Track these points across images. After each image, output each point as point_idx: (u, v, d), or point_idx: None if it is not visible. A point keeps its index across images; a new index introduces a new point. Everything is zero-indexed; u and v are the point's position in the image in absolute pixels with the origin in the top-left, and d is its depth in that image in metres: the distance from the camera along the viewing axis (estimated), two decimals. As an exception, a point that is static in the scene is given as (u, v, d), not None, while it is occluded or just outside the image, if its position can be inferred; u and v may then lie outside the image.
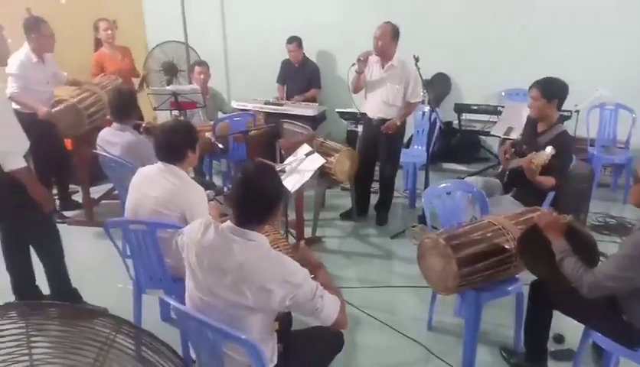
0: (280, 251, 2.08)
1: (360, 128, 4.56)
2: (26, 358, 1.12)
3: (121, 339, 1.15)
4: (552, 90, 3.13)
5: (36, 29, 3.80)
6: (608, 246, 3.39)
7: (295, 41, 5.32)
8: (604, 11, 4.86)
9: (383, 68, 3.92)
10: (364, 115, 4.17)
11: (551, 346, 2.63)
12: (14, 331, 1.14)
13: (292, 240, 3.65)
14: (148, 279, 2.58)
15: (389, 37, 3.81)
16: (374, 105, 4.02)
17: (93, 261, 3.56)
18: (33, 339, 1.15)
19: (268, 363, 1.73)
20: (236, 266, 1.70)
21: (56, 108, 3.75)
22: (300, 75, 5.50)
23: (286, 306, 1.75)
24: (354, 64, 3.86)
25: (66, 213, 4.33)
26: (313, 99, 5.42)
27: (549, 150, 2.92)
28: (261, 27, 5.79)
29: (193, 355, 1.94)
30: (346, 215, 4.37)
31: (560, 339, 2.75)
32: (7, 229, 2.85)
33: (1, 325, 1.13)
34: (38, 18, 3.89)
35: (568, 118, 4.58)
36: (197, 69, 4.71)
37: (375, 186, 4.40)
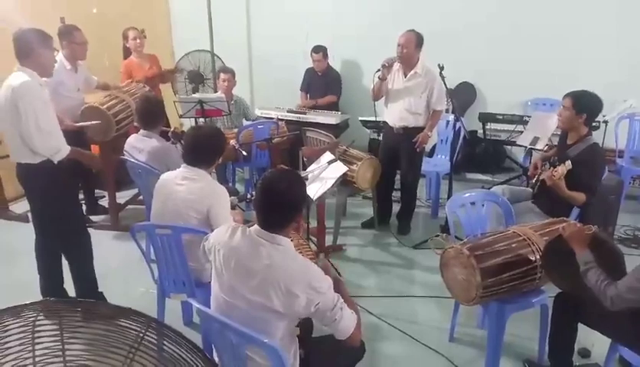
0: (305, 256, 2.10)
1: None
2: (59, 353, 1.16)
3: (150, 336, 1.17)
4: (583, 103, 3.08)
5: (69, 37, 3.92)
6: (637, 260, 3.29)
7: (321, 51, 5.37)
8: (633, 21, 4.78)
9: (405, 76, 3.92)
10: (385, 123, 4.16)
11: (577, 361, 2.57)
12: (49, 327, 1.19)
13: (313, 248, 3.65)
14: (172, 283, 2.62)
15: (413, 45, 3.80)
16: (396, 113, 4.01)
17: (117, 265, 3.63)
18: (66, 335, 1.18)
19: (289, 368, 1.74)
20: (263, 268, 1.73)
21: (80, 123, 3.81)
22: (322, 83, 5.54)
23: (310, 313, 1.77)
24: (378, 70, 3.87)
25: (93, 218, 4.43)
26: (327, 105, 5.43)
27: (567, 164, 2.89)
28: (286, 36, 5.86)
29: (215, 358, 1.95)
30: (367, 224, 4.36)
31: (585, 353, 2.69)
32: (43, 233, 2.95)
33: (39, 321, 1.18)
34: (72, 26, 4.01)
35: (596, 128, 4.49)
36: (222, 76, 4.79)
37: (396, 195, 4.39)
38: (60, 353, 1.14)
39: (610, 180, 3.94)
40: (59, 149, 2.75)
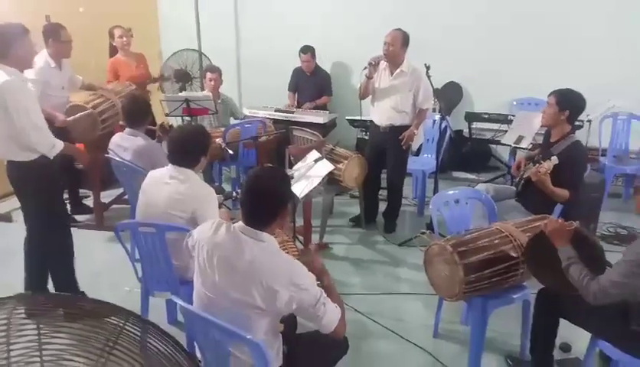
0: (289, 254, 2.11)
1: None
2: (36, 348, 1.16)
3: (129, 329, 1.17)
4: (567, 100, 3.12)
5: (55, 35, 3.89)
6: (619, 257, 3.34)
7: (309, 51, 5.38)
8: (618, 22, 4.86)
9: (392, 74, 3.94)
10: (372, 122, 4.18)
11: (558, 355, 2.60)
12: (25, 321, 1.19)
13: (299, 246, 3.66)
14: (156, 281, 2.61)
15: (399, 43, 3.82)
16: (383, 111, 4.03)
17: (101, 265, 3.61)
18: (43, 329, 1.18)
19: (272, 364, 1.74)
20: (246, 265, 1.74)
21: (72, 117, 3.80)
22: (311, 83, 5.55)
23: (292, 309, 1.77)
24: (365, 68, 3.89)
25: (77, 217, 4.39)
26: (324, 107, 5.46)
27: (553, 159, 2.92)
28: (274, 36, 5.87)
29: (198, 355, 1.95)
30: (355, 220, 4.38)
31: (566, 348, 2.72)
32: (33, 231, 2.94)
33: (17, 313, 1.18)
34: (58, 25, 3.97)
35: (580, 127, 4.55)
36: (208, 75, 4.78)
37: (383, 193, 4.41)
38: (37, 345, 1.14)
39: (593, 177, 4.00)
40: (54, 144, 2.77)
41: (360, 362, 2.71)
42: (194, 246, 1.92)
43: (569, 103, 3.12)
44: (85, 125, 3.83)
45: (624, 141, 4.81)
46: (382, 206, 4.41)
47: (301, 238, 3.80)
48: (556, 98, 3.14)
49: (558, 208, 3.17)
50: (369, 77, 3.91)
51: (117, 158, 3.41)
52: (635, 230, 4.19)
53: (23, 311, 1.26)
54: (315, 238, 3.91)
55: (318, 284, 1.84)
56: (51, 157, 2.77)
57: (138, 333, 1.16)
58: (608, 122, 4.79)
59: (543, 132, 3.61)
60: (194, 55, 5.83)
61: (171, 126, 3.86)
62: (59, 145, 2.80)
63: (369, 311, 3.12)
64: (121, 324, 1.13)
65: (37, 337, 1.29)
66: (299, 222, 3.75)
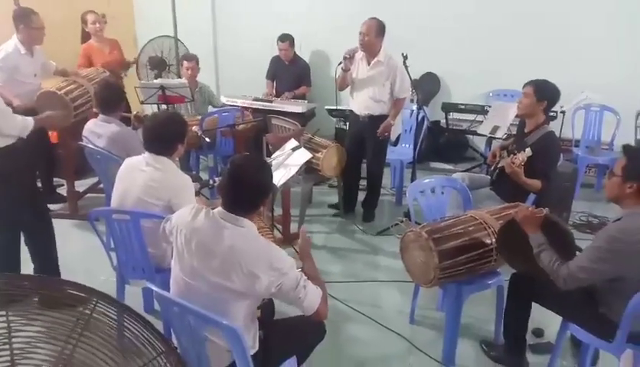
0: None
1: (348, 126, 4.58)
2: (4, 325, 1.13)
3: (101, 308, 1.16)
4: (545, 91, 3.17)
5: (26, 20, 3.77)
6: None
7: (287, 40, 5.33)
8: (594, 17, 4.95)
9: (369, 64, 3.93)
10: (351, 112, 4.19)
11: (531, 340, 2.67)
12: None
13: (277, 235, 3.66)
14: (131, 269, 2.58)
15: (374, 33, 3.81)
16: (361, 101, 4.03)
17: (76, 254, 3.54)
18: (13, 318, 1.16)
19: (249, 349, 1.74)
20: (225, 250, 1.73)
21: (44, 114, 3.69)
22: (290, 72, 5.51)
23: (271, 294, 1.78)
24: (340, 63, 3.88)
25: (51, 206, 4.29)
26: (303, 97, 5.44)
27: (527, 151, 2.97)
28: (252, 23, 5.81)
29: (175, 343, 1.94)
30: (335, 206, 4.39)
31: (539, 333, 2.79)
32: (4, 217, 2.87)
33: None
34: (29, 10, 3.85)
35: (554, 118, 4.63)
36: (185, 64, 4.71)
37: (362, 183, 4.43)
38: (6, 333, 1.12)
39: (565, 167, 4.08)
40: (25, 125, 2.74)
41: (337, 348, 2.74)
42: (171, 231, 1.90)
43: (546, 94, 3.18)
44: (57, 113, 3.72)
45: (596, 132, 4.91)
46: (361, 196, 4.43)
47: (279, 227, 3.80)
48: (533, 88, 3.18)
49: (532, 196, 3.23)
50: (345, 70, 3.91)
51: (90, 145, 3.34)
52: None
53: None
54: (293, 227, 3.90)
55: (299, 269, 1.85)
56: (24, 137, 2.75)
57: (114, 315, 1.15)
58: (581, 114, 4.88)
59: (517, 123, 3.67)
60: (170, 41, 5.73)
61: (145, 115, 3.79)
62: (30, 123, 2.76)
63: (347, 298, 3.15)
64: (92, 303, 1.11)
65: (6, 325, 1.27)
66: (278, 211, 3.74)
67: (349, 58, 3.85)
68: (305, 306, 1.81)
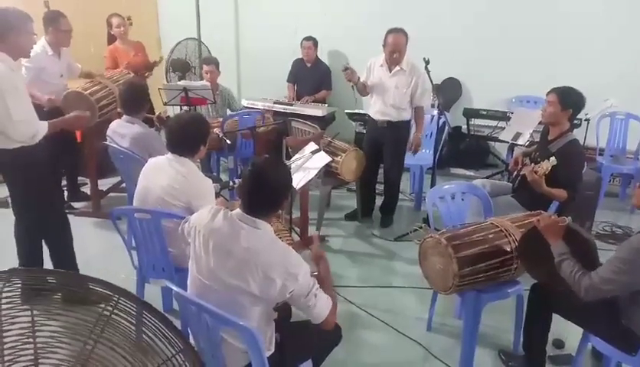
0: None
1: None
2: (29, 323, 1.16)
3: (122, 305, 1.18)
4: (569, 99, 3.12)
5: (55, 23, 3.86)
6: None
7: (312, 40, 5.40)
8: (617, 22, 4.86)
9: (390, 71, 3.92)
10: (369, 116, 4.18)
11: (551, 351, 2.62)
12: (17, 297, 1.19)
13: (295, 237, 3.67)
14: (152, 268, 2.61)
15: (404, 47, 3.82)
16: (381, 108, 4.02)
17: (97, 252, 3.60)
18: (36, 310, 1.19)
19: (265, 350, 1.75)
20: (242, 251, 1.74)
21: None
22: (311, 75, 5.54)
23: (285, 298, 1.78)
24: (346, 69, 3.89)
25: (74, 204, 4.38)
26: (323, 100, 5.46)
27: (552, 160, 2.92)
28: (274, 27, 5.85)
29: (192, 342, 1.96)
30: (351, 217, 4.38)
31: (559, 344, 2.74)
32: (22, 218, 2.91)
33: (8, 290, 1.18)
34: (58, 12, 3.94)
35: (578, 126, 4.55)
36: (204, 68, 4.77)
37: (380, 188, 4.41)
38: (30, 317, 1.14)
39: (589, 176, 4.00)
40: (35, 134, 2.70)
41: (353, 353, 2.73)
42: (189, 232, 1.93)
43: (572, 102, 3.12)
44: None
45: (621, 141, 4.81)
46: (379, 201, 4.41)
47: (297, 229, 3.81)
48: (558, 96, 3.13)
49: (554, 205, 3.18)
50: (352, 82, 3.90)
51: (114, 145, 3.40)
52: (630, 229, 4.21)
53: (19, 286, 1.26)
54: (311, 230, 3.91)
55: (314, 274, 1.86)
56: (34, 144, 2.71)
57: (134, 312, 1.17)
58: (605, 121, 4.79)
59: (540, 129, 3.62)
60: (193, 44, 5.81)
61: (168, 116, 3.85)
62: (41, 132, 2.73)
63: (363, 303, 3.14)
64: (114, 299, 1.13)
65: (30, 320, 1.29)
66: (296, 214, 3.75)
67: (351, 73, 3.86)
68: (314, 314, 1.81)
